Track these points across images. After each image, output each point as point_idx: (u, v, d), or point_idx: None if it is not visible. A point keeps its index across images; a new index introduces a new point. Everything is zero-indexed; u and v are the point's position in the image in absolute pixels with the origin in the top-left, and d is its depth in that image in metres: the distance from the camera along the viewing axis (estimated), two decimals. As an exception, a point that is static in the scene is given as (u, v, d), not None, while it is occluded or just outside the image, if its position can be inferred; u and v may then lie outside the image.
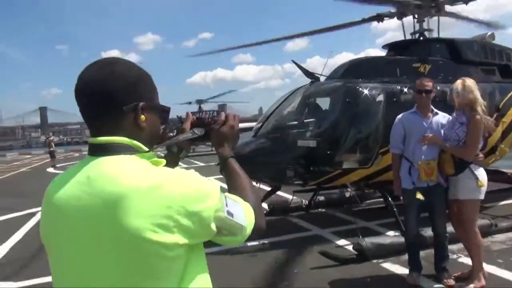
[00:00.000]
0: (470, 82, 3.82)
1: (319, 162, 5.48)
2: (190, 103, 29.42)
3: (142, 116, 1.07)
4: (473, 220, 3.85)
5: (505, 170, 7.87)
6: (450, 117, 4.02)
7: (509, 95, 6.68)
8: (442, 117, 4.06)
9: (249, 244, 5.75)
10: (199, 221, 0.97)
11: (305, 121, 5.86)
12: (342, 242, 5.50)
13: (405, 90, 5.84)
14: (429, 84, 4.01)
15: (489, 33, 7.33)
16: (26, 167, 24.02)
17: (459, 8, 8.32)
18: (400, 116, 4.20)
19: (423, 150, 3.96)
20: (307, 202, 7.34)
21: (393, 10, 7.13)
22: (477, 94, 3.75)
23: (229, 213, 1.05)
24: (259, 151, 5.61)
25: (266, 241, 5.80)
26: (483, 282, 3.79)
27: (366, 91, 5.73)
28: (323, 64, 6.73)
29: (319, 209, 7.49)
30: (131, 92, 1.06)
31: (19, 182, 16.46)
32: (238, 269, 4.86)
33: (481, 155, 3.86)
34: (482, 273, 3.86)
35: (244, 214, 1.10)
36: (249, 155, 5.58)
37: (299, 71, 6.23)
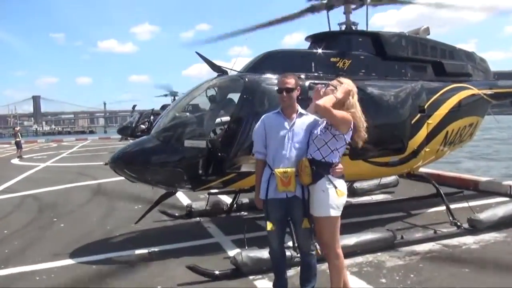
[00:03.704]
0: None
1: (209, 164, 4.95)
2: (166, 95, 28.79)
3: None
4: (333, 239, 3.34)
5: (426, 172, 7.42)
6: (318, 118, 3.51)
7: (437, 95, 6.15)
8: (308, 118, 3.51)
9: (137, 252, 5.27)
10: None
11: (198, 119, 5.33)
12: (235, 252, 4.99)
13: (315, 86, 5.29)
14: (290, 81, 3.46)
15: (424, 27, 6.77)
16: (-5, 157, 23.46)
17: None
18: (263, 116, 3.67)
19: (282, 156, 3.43)
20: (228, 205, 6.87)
21: (324, 1, 6.61)
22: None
23: None
24: (145, 152, 5.04)
25: (156, 249, 5.31)
26: (338, 308, 3.31)
27: (265, 86, 5.18)
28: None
29: (242, 213, 7.02)
30: None
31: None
32: (105, 280, 4.36)
33: (340, 166, 3.35)
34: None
35: None
36: (133, 156, 5.05)
37: None
